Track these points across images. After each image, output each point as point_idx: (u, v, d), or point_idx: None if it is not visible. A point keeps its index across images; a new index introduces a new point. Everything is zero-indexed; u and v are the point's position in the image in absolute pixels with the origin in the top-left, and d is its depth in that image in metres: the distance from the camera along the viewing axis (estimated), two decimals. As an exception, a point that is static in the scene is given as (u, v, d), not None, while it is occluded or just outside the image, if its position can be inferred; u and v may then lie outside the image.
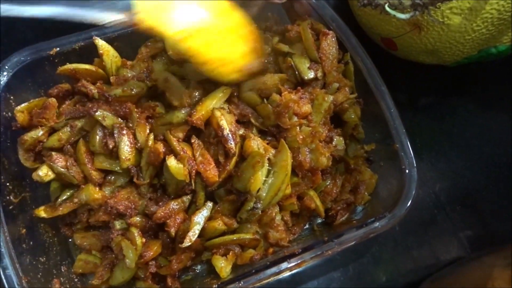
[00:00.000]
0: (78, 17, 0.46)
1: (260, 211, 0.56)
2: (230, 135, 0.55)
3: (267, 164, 0.56)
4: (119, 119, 0.58)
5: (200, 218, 0.55)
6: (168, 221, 0.54)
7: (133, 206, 0.56)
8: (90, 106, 0.58)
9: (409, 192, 0.56)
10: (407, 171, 0.57)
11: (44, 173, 0.57)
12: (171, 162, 0.54)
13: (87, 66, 0.62)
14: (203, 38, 0.51)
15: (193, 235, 0.54)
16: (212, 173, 0.55)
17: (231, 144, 0.55)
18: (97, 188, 0.57)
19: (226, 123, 0.55)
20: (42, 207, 0.58)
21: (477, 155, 0.74)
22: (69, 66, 0.61)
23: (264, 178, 0.55)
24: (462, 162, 0.74)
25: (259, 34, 0.59)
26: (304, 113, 0.59)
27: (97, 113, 0.57)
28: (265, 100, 0.60)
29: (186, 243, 0.54)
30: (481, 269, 0.53)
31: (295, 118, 0.58)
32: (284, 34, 0.67)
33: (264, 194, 0.56)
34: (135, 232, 0.55)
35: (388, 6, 0.59)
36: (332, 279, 0.65)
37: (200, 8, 0.52)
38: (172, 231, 0.54)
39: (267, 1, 0.67)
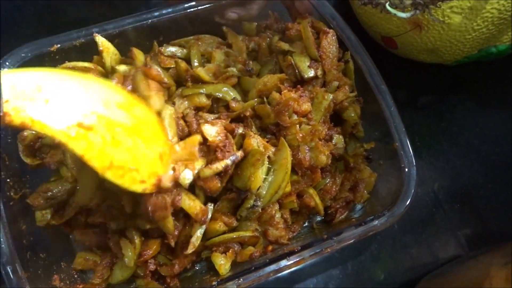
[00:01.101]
0: None
1: (260, 209, 0.57)
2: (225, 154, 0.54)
3: (267, 162, 0.56)
4: None
5: None
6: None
7: None
8: None
9: (408, 191, 0.56)
10: (406, 170, 0.57)
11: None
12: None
13: (86, 64, 0.62)
14: (102, 137, 0.41)
15: (196, 240, 0.54)
16: (213, 183, 0.54)
17: (228, 162, 0.54)
18: None
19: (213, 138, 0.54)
20: (47, 212, 0.58)
21: (476, 154, 0.74)
22: (68, 64, 0.61)
23: (264, 176, 0.55)
24: (461, 161, 0.74)
25: (164, 134, 0.51)
26: (304, 111, 0.59)
27: None
28: (265, 98, 0.60)
29: (190, 249, 0.54)
30: (478, 267, 0.54)
31: (295, 116, 0.59)
32: (284, 32, 0.67)
33: (264, 192, 0.56)
34: (133, 231, 0.55)
35: (389, 5, 0.59)
36: (330, 276, 0.65)
37: (96, 94, 0.42)
38: (172, 242, 0.55)
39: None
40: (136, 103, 0.46)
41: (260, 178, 0.54)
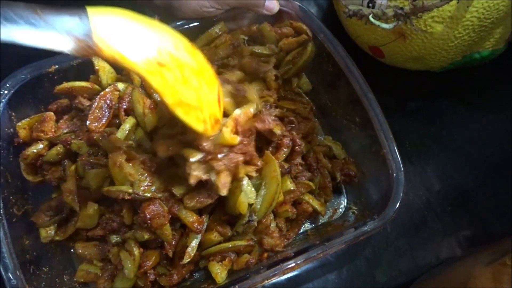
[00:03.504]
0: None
1: (255, 223, 0.58)
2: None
3: (256, 177, 0.57)
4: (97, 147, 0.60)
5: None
6: (165, 243, 0.57)
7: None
8: (65, 139, 0.60)
9: (397, 195, 0.58)
10: (394, 175, 0.59)
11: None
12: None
13: (83, 84, 0.64)
14: (174, 75, 0.45)
15: (192, 250, 0.56)
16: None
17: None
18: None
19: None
20: (51, 228, 0.61)
21: (466, 157, 0.76)
22: (66, 84, 0.63)
23: (254, 195, 0.57)
24: (451, 164, 0.76)
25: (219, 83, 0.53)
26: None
27: (72, 144, 0.59)
28: None
29: (186, 259, 0.56)
30: (464, 268, 0.55)
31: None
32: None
33: (258, 207, 0.57)
34: (132, 243, 0.57)
35: (372, 17, 0.62)
36: (327, 281, 0.67)
37: (167, 37, 0.46)
38: (170, 252, 0.57)
39: (258, 13, 0.70)
40: (196, 49, 0.49)
41: (245, 203, 0.55)
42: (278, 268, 0.54)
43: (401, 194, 0.58)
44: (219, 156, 0.52)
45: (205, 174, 0.52)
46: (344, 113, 0.70)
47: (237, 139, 0.52)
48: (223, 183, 0.52)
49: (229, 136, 0.52)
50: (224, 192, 0.52)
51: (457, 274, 0.55)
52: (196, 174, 0.51)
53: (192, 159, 0.51)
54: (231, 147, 0.53)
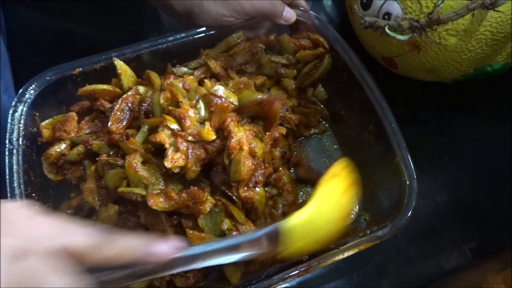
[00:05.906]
0: None
1: None
2: None
3: None
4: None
5: None
6: None
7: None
8: (86, 139, 0.62)
9: (410, 202, 0.59)
10: (407, 182, 0.60)
11: None
12: None
13: (105, 86, 0.66)
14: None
15: None
16: None
17: None
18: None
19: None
20: None
21: (476, 167, 0.77)
22: (88, 87, 0.65)
23: None
24: (461, 174, 0.77)
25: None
26: None
27: (93, 145, 0.61)
28: None
29: None
30: (475, 276, 0.56)
31: None
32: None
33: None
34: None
35: (388, 28, 0.63)
36: (337, 286, 0.68)
37: None
38: None
39: (276, 23, 0.72)
40: None
41: None
42: (292, 270, 0.55)
43: (414, 201, 0.59)
44: (189, 138, 0.56)
45: (168, 141, 0.56)
46: (357, 121, 0.72)
47: (212, 136, 0.57)
48: (172, 158, 0.55)
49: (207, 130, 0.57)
50: (167, 164, 0.55)
51: (467, 282, 0.56)
52: (163, 136, 0.55)
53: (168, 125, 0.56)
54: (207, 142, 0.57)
